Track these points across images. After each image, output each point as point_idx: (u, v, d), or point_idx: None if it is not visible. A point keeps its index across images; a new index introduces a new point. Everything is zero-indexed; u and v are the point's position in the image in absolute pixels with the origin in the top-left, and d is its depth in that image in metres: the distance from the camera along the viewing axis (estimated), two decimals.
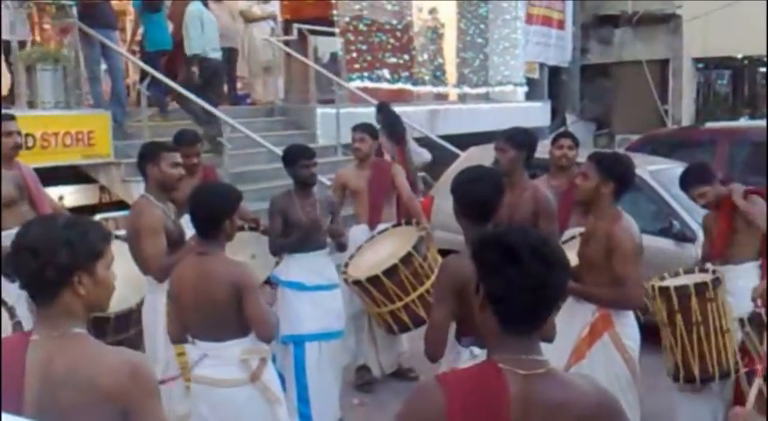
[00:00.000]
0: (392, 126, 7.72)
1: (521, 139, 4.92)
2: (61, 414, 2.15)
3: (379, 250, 5.70)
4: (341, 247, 5.56)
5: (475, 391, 2.01)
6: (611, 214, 4.12)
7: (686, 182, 5.13)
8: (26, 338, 2.23)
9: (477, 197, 3.39)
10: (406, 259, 5.33)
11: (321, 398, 5.27)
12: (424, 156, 8.59)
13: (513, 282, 1.99)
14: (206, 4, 10.14)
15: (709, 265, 4.98)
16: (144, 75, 9.77)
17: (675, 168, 7.49)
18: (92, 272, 2.23)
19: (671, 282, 4.81)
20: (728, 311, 4.74)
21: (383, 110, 7.98)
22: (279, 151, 9.14)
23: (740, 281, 4.94)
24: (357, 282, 5.38)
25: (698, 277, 4.84)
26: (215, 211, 3.72)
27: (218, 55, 9.89)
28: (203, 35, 9.54)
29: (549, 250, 2.02)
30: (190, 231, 4.06)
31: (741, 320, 4.44)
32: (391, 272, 5.26)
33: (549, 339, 3.36)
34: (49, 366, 2.17)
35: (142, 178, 4.70)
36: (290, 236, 5.23)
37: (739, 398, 4.71)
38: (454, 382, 2.07)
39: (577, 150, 5.90)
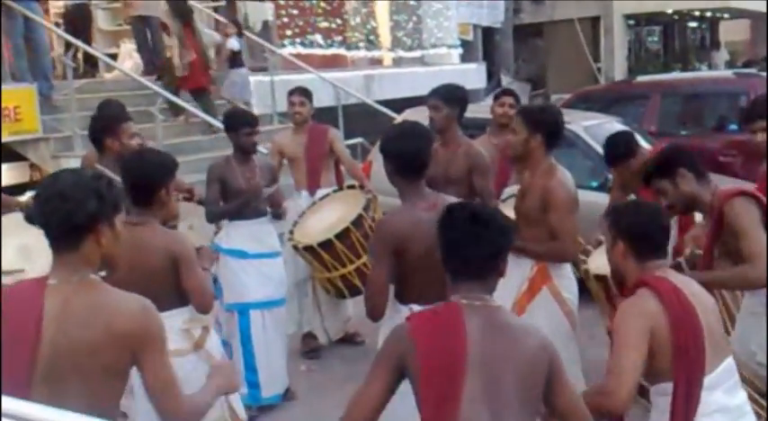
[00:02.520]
0: None
1: (453, 96, 4.91)
2: (75, 353, 2.27)
3: (324, 215, 5.67)
4: (278, 216, 5.50)
5: (438, 328, 2.42)
6: (546, 168, 4.13)
7: (611, 157, 5.14)
8: (43, 282, 2.34)
9: (406, 151, 3.38)
10: (357, 222, 5.32)
11: (268, 366, 5.26)
12: None
13: (456, 238, 2.48)
14: None
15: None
16: (68, 47, 9.52)
17: (609, 123, 7.61)
18: (112, 224, 2.39)
19: (601, 264, 4.75)
20: None
21: None
22: (214, 122, 9.11)
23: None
24: (308, 248, 5.34)
25: None
26: (148, 178, 3.61)
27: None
28: None
29: (488, 213, 2.53)
30: None
31: None
32: (343, 235, 5.24)
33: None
34: (66, 308, 2.30)
35: (96, 150, 4.56)
36: (230, 202, 5.16)
37: None
38: (422, 323, 2.48)
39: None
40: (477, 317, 2.42)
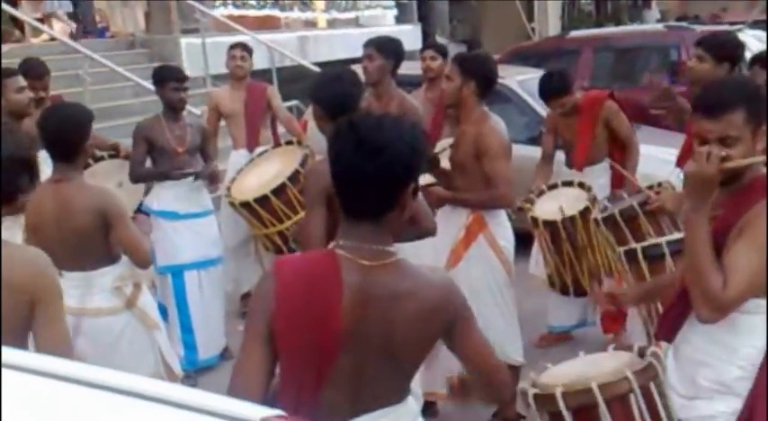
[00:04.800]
0: None
1: (388, 47, 4.88)
2: None
3: (262, 172, 5.60)
4: (212, 179, 5.40)
5: (305, 276, 2.02)
6: (479, 116, 4.13)
7: (546, 91, 5.23)
8: None
9: (335, 94, 3.34)
10: (294, 177, 5.26)
11: (205, 327, 5.21)
12: None
13: (343, 167, 1.99)
14: None
15: (571, 177, 5.19)
16: None
17: None
18: None
19: (548, 210, 4.87)
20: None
21: None
22: (146, 84, 8.90)
23: (600, 179, 5.18)
24: (245, 204, 5.27)
25: (572, 198, 4.94)
26: (71, 132, 3.50)
27: None
28: None
29: (382, 141, 1.95)
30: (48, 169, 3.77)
31: (595, 220, 4.56)
32: (279, 190, 5.18)
33: (431, 232, 3.40)
34: None
35: None
36: (158, 161, 5.08)
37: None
38: (288, 266, 2.07)
39: (444, 60, 5.87)
40: (355, 276, 1.99)
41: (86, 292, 3.59)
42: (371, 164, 1.94)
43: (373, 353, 2.01)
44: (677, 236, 3.73)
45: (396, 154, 1.96)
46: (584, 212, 4.77)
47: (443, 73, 5.81)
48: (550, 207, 4.89)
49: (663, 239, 3.82)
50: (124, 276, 3.67)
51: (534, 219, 4.83)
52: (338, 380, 2.00)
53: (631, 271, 3.82)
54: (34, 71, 5.41)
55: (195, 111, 7.35)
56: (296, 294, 1.98)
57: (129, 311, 3.69)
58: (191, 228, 5.16)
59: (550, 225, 4.80)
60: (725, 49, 4.35)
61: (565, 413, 2.42)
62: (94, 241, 3.53)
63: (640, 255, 3.77)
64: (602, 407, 2.39)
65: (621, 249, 3.91)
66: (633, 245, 3.94)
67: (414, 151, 1.99)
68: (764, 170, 2.50)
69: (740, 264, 2.36)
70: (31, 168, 2.51)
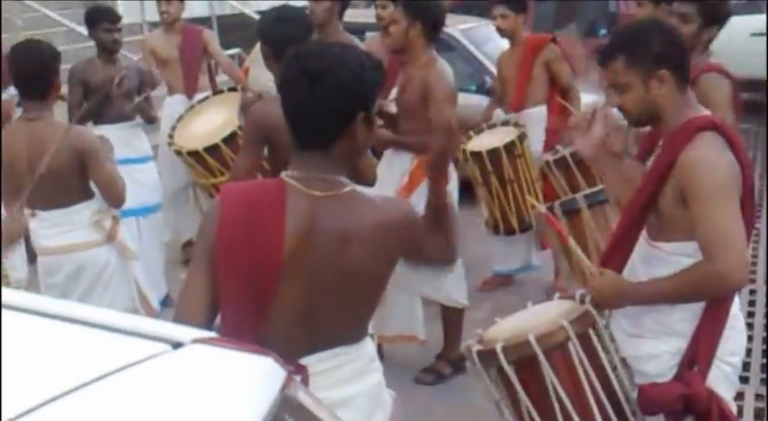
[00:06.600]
0: None
1: None
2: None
3: (207, 119, 5.48)
4: (150, 120, 5.29)
5: (248, 201, 1.99)
6: (426, 60, 4.11)
7: None
8: None
9: (283, 33, 3.24)
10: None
11: (145, 274, 5.06)
12: None
13: (288, 95, 1.99)
14: None
15: (508, 116, 5.31)
16: None
17: (486, 26, 7.64)
18: None
19: (480, 145, 5.01)
20: (534, 161, 5.03)
21: None
22: (80, 29, 8.63)
23: (537, 128, 5.23)
24: (193, 153, 5.16)
25: (504, 134, 5.06)
26: (45, 68, 3.49)
27: None
28: None
29: (322, 67, 1.93)
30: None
31: (547, 162, 4.68)
32: (230, 139, 5.09)
33: (370, 183, 3.36)
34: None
35: None
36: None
37: (542, 235, 5.07)
38: (234, 192, 2.07)
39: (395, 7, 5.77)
40: (303, 205, 1.95)
41: (66, 230, 3.63)
42: (313, 91, 1.92)
43: (324, 286, 1.97)
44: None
45: (337, 81, 1.92)
46: (510, 146, 4.95)
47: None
48: (482, 142, 5.09)
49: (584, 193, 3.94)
50: (102, 210, 3.71)
51: (463, 152, 4.97)
52: (287, 313, 1.96)
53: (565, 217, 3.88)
54: None
55: (132, 57, 7.15)
56: (237, 218, 1.96)
57: (110, 244, 3.74)
58: (128, 175, 4.95)
59: (477, 156, 4.98)
60: None
61: (507, 368, 2.42)
62: (70, 179, 3.57)
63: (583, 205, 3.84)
64: (542, 358, 2.39)
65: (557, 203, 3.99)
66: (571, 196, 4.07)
67: (358, 79, 1.94)
68: (702, 111, 2.49)
69: (710, 228, 2.31)
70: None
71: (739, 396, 3.91)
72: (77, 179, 3.58)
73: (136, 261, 3.96)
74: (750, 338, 4.38)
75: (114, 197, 3.64)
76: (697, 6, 3.53)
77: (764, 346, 4.50)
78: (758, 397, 4.07)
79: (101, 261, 3.73)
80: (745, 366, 4.20)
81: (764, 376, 4.25)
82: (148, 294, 4.00)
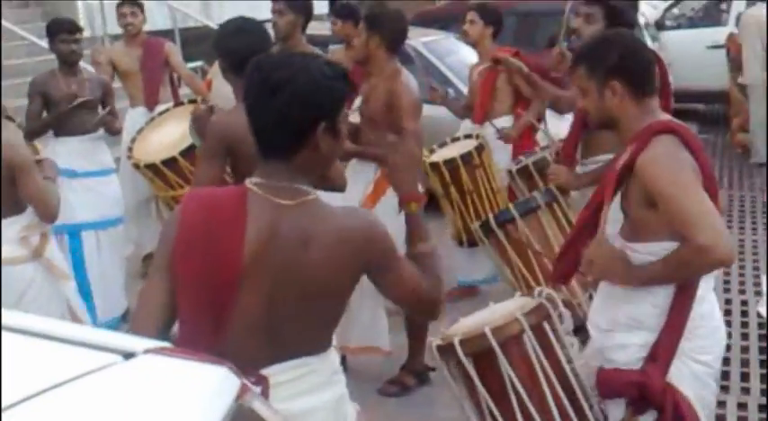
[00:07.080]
0: None
1: (298, 3, 4.77)
2: None
3: (166, 132, 5.44)
4: (112, 133, 5.24)
5: (209, 207, 1.98)
6: (391, 71, 4.15)
7: None
8: None
9: (240, 47, 3.20)
10: None
11: (104, 290, 5.06)
12: None
13: (250, 105, 1.99)
14: None
15: (474, 128, 5.36)
16: None
17: (447, 39, 7.73)
18: None
19: (439, 156, 5.08)
20: (496, 171, 5.08)
21: None
22: (41, 43, 8.54)
23: (500, 140, 5.28)
24: (150, 166, 5.11)
25: (464, 146, 5.13)
26: None
27: None
28: None
29: (282, 77, 1.93)
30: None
31: (510, 172, 4.75)
32: (187, 151, 5.05)
33: (340, 188, 3.36)
34: None
35: None
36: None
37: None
38: (195, 198, 2.06)
39: (350, 22, 5.75)
40: (264, 212, 1.94)
41: None
42: (272, 100, 1.93)
43: (285, 295, 1.94)
44: None
45: (297, 90, 1.92)
46: (467, 156, 5.01)
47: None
48: (443, 154, 5.18)
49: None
50: (31, 225, 3.59)
51: (423, 164, 4.95)
52: (248, 322, 1.93)
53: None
54: None
55: (92, 70, 7.09)
56: (196, 223, 1.94)
57: (35, 262, 3.60)
58: (89, 188, 5.01)
59: (436, 167, 5.05)
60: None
61: (464, 360, 2.49)
62: None
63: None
64: (497, 350, 2.47)
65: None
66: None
67: (318, 88, 1.93)
68: (661, 117, 2.55)
69: (679, 212, 2.36)
70: None
71: (742, 406, 3.98)
72: (6, 192, 3.45)
73: (68, 281, 3.81)
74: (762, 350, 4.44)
75: (45, 213, 3.53)
76: (603, 9, 3.67)
77: None
78: (761, 407, 4.01)
79: (24, 278, 3.57)
80: (744, 376, 4.26)
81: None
82: (81, 316, 3.84)
